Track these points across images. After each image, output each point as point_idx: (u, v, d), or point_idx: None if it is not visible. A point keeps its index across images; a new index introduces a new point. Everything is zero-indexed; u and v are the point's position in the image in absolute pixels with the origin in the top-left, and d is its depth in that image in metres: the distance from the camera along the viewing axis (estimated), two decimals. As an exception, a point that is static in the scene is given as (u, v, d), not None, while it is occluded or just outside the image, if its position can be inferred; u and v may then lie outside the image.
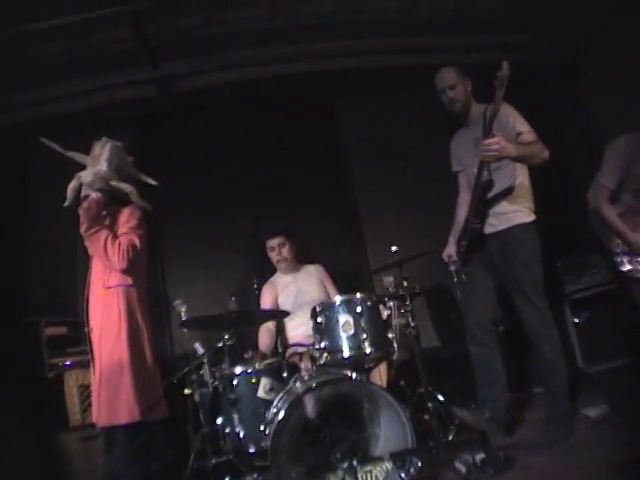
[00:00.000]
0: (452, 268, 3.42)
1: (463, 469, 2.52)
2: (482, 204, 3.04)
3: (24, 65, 4.39)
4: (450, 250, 3.39)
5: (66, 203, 2.72)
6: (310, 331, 3.42)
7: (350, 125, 5.24)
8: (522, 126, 2.99)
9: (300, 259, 4.13)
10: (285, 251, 3.98)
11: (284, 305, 3.86)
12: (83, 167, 2.75)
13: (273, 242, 4.00)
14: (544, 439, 2.81)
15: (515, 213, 3.03)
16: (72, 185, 2.71)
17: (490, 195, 3.03)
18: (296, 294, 3.91)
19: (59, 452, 3.51)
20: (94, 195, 2.67)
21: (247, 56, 4.78)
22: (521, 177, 3.06)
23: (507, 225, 3.03)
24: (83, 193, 2.69)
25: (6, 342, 3.90)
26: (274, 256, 4.02)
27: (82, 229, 2.65)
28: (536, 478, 2.40)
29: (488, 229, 3.09)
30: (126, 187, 2.76)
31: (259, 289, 3.95)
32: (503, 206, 3.04)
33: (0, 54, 4.15)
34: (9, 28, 3.89)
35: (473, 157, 3.09)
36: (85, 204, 2.65)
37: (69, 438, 3.56)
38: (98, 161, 2.69)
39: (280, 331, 3.89)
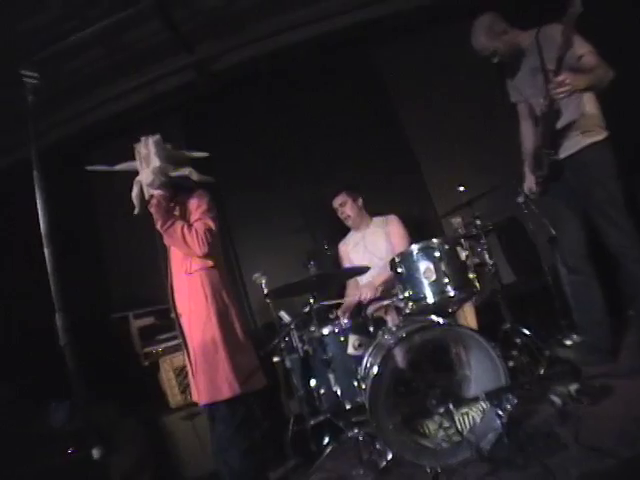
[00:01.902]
0: (520, 200, 3.35)
1: (558, 401, 2.53)
2: (553, 135, 2.93)
3: (68, 77, 4.53)
4: (530, 183, 3.28)
5: (136, 211, 2.79)
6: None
7: (394, 73, 5.10)
8: (582, 47, 2.81)
9: (371, 212, 4.16)
10: (347, 209, 4.05)
11: (356, 264, 3.94)
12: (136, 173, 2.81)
13: (335, 202, 4.10)
14: (640, 364, 2.74)
15: (585, 134, 2.91)
16: (135, 192, 2.78)
17: (559, 126, 2.91)
18: (363, 253, 3.98)
19: (165, 433, 3.72)
20: (158, 192, 2.75)
21: (279, 23, 4.73)
22: (588, 104, 2.92)
23: (578, 147, 2.92)
24: (147, 195, 2.77)
25: (102, 338, 4.16)
26: (340, 215, 4.11)
27: (158, 226, 2.74)
28: (634, 404, 2.34)
29: (560, 155, 2.98)
30: (184, 170, 2.80)
31: (330, 250, 3.98)
32: (573, 131, 2.92)
33: (45, 71, 4.26)
34: (50, 46, 4.03)
35: (533, 87, 3.01)
36: (154, 201, 2.73)
37: (172, 419, 3.76)
38: (149, 159, 2.74)
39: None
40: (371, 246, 3.97)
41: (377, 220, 4.11)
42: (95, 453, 1.84)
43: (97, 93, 4.85)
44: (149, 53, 4.61)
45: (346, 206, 4.05)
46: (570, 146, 2.94)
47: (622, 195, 2.88)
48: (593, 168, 2.90)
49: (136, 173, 2.79)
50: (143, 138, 2.78)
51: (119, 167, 2.83)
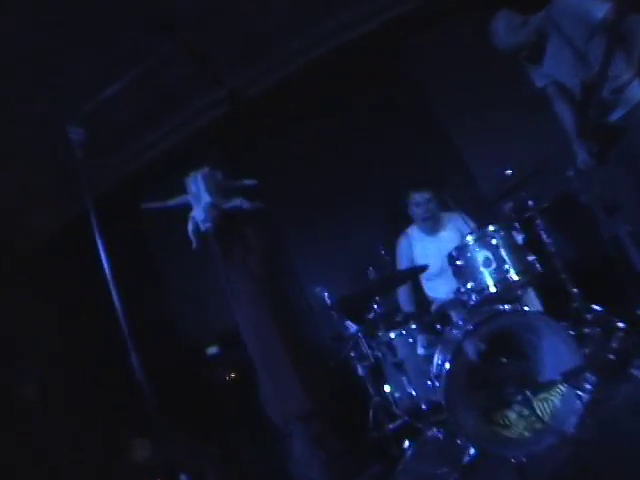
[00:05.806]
0: (570, 173, 3.25)
1: (642, 374, 2.43)
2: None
3: (108, 126, 4.68)
4: (584, 157, 3.02)
5: (194, 246, 2.86)
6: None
7: (426, 65, 5.02)
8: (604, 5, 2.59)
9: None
10: (433, 207, 3.69)
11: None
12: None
13: (420, 196, 3.69)
14: None
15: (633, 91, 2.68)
16: (190, 228, 2.85)
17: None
18: (440, 256, 3.52)
19: (245, 455, 3.83)
20: (212, 225, 2.81)
21: (304, 39, 4.81)
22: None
23: (629, 107, 2.71)
24: (203, 229, 2.83)
25: (178, 364, 4.33)
26: (420, 213, 3.71)
27: (220, 255, 2.83)
28: None
29: (613, 116, 2.77)
30: (236, 202, 2.88)
31: (387, 254, 3.78)
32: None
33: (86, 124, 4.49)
34: (86, 102, 4.22)
35: (562, 63, 2.88)
36: (212, 232, 2.80)
37: (249, 440, 3.84)
38: (199, 196, 2.82)
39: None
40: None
41: (448, 218, 3.77)
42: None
43: (139, 138, 5.06)
44: (182, 92, 4.76)
45: (432, 203, 3.68)
46: (624, 103, 2.71)
47: None
48: None
49: (189, 207, 2.87)
50: (192, 174, 2.87)
51: (171, 203, 2.93)
